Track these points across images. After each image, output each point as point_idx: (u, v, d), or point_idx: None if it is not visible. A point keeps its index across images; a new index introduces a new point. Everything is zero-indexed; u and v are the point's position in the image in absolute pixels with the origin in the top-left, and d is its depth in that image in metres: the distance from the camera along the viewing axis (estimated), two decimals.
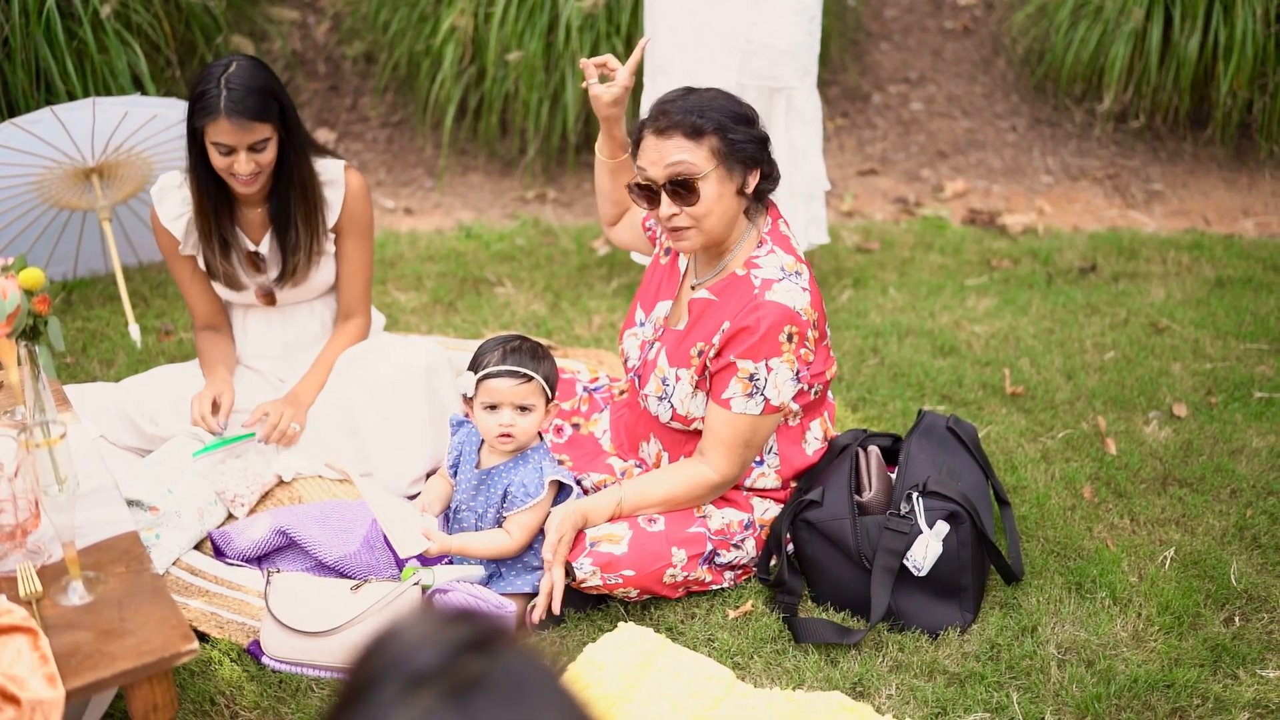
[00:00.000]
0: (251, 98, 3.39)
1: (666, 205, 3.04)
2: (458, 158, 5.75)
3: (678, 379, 3.18)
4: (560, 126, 5.47)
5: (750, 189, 3.09)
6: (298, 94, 6.00)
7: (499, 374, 3.12)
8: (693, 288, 3.23)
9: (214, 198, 3.58)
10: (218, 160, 3.46)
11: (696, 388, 3.17)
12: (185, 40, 5.37)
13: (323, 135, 5.82)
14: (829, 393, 3.38)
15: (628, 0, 5.24)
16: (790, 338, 3.04)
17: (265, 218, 3.66)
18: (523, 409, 3.13)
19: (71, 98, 4.77)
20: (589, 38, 5.27)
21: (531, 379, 3.11)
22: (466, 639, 1.17)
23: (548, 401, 3.16)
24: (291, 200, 3.59)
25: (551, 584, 3.05)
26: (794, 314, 3.04)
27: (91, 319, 4.46)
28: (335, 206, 3.68)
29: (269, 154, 3.47)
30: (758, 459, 3.24)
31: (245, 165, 3.44)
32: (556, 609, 3.05)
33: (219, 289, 3.75)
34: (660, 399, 3.22)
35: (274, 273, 3.70)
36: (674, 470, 3.20)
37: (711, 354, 3.11)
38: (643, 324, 3.35)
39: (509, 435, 3.14)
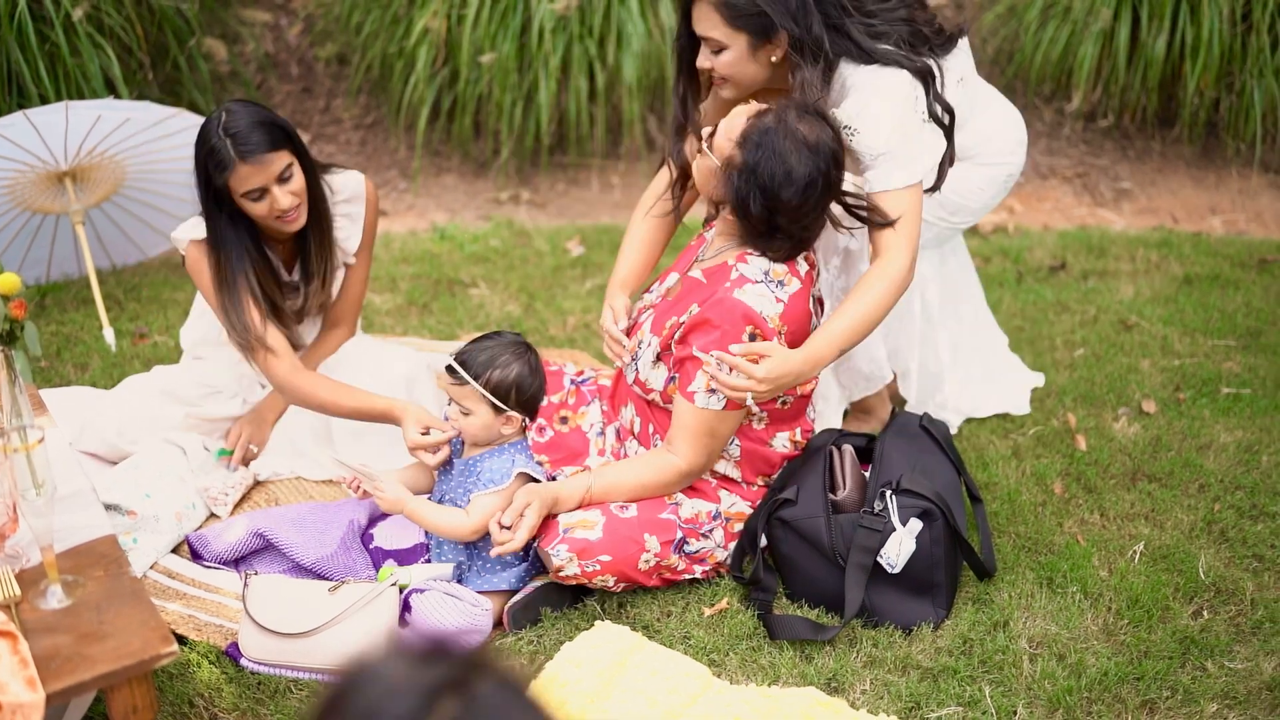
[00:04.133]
0: (256, 132, 3.29)
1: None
2: (431, 159, 5.76)
3: (649, 345, 3.25)
4: (534, 128, 5.48)
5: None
6: (270, 96, 6.00)
7: (446, 365, 3.17)
8: (696, 261, 3.31)
9: (255, 246, 3.46)
10: (256, 209, 3.34)
11: (659, 359, 3.22)
12: (158, 43, 5.36)
13: None
14: (809, 412, 3.39)
15: (600, 2, 5.26)
16: (752, 338, 3.08)
17: (293, 248, 3.58)
18: (463, 409, 3.16)
19: (44, 101, 4.76)
20: (562, 39, 5.28)
21: (465, 384, 3.13)
22: (440, 680, 1.15)
23: (499, 412, 3.16)
24: (308, 227, 3.50)
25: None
26: (757, 317, 3.08)
27: (65, 323, 4.45)
28: (359, 220, 3.62)
29: (298, 180, 3.37)
30: None
31: (285, 199, 3.33)
32: (517, 542, 3.08)
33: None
34: (631, 360, 3.29)
35: (300, 300, 3.62)
36: (643, 459, 3.25)
37: (677, 335, 3.17)
38: (652, 291, 3.45)
39: (457, 426, 3.20)
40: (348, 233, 3.63)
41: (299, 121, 5.94)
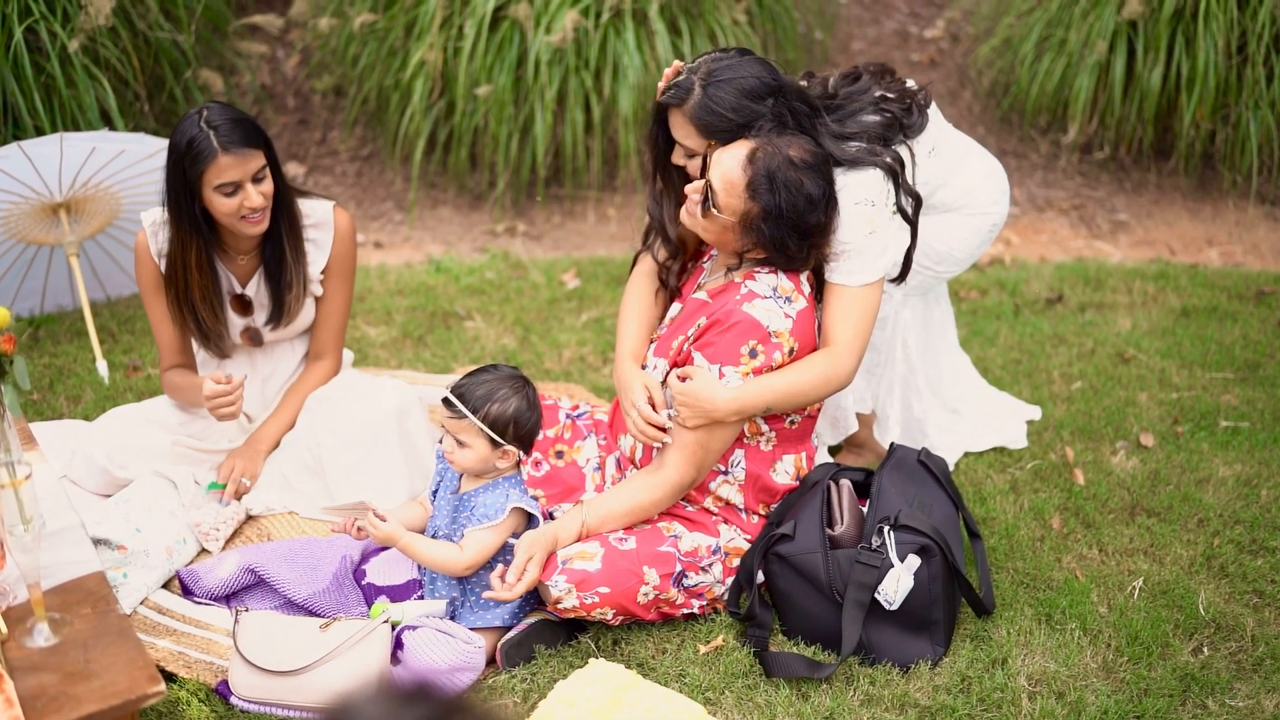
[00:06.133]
0: (239, 128, 3.36)
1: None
2: (427, 191, 5.76)
3: (655, 368, 3.26)
4: (530, 160, 5.48)
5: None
6: (267, 127, 5.99)
7: (443, 398, 3.15)
8: (699, 286, 3.33)
9: (210, 256, 3.53)
10: (226, 205, 3.37)
11: (665, 381, 3.23)
12: (154, 75, 5.36)
13: (292, 169, 5.81)
14: (813, 437, 3.40)
15: (596, 35, 5.27)
16: (753, 353, 3.10)
17: (256, 260, 3.60)
18: (459, 442, 3.14)
19: (40, 133, 4.75)
20: (558, 72, 5.29)
21: (463, 417, 3.11)
22: None
23: (496, 445, 3.13)
24: (283, 237, 3.54)
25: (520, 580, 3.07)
26: (764, 330, 3.10)
27: (59, 355, 4.43)
28: (324, 246, 3.63)
29: (269, 183, 3.43)
30: (722, 467, 3.26)
31: (256, 198, 3.38)
32: (516, 592, 3.04)
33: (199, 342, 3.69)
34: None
35: (262, 315, 3.65)
36: (634, 481, 3.24)
37: (686, 347, 3.19)
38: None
39: (450, 460, 3.17)
40: (311, 258, 3.65)
41: (295, 153, 5.94)
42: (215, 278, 3.57)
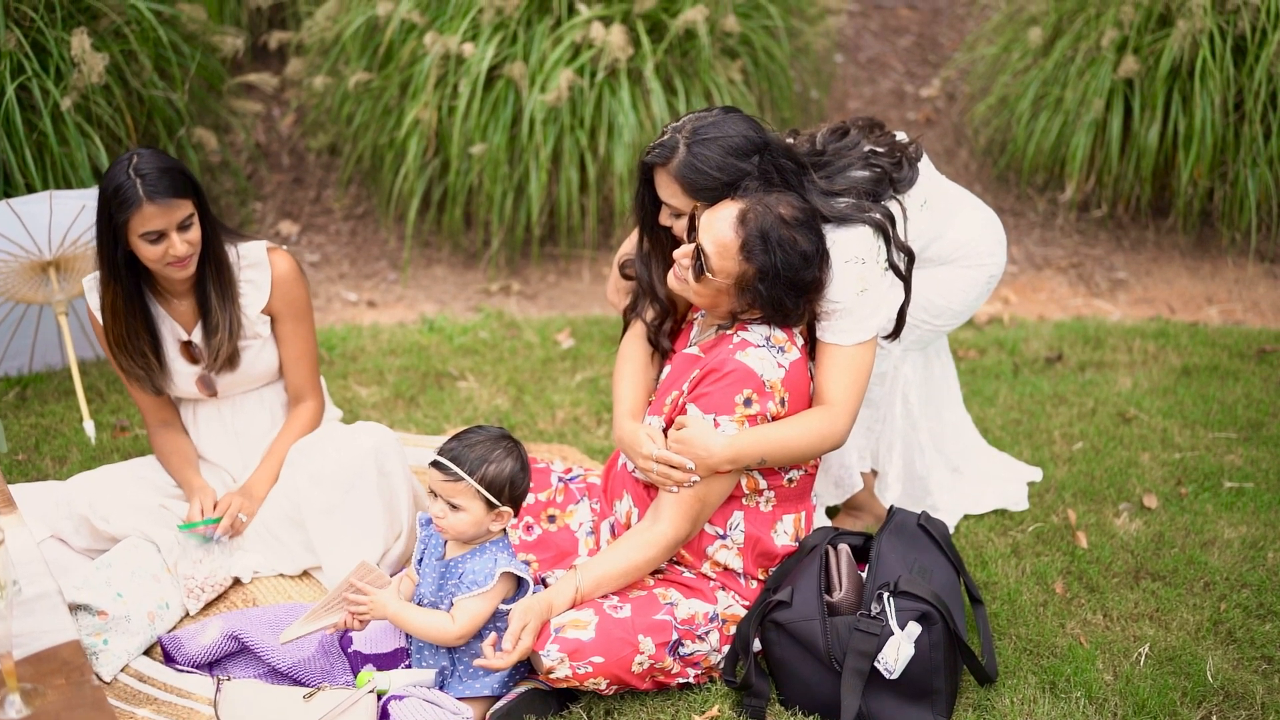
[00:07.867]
0: (166, 177, 3.38)
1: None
2: (421, 250, 5.73)
3: (650, 425, 3.22)
4: (524, 219, 5.46)
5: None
6: (261, 185, 5.99)
7: (433, 462, 3.08)
8: (690, 343, 3.29)
9: (139, 299, 3.56)
10: (150, 252, 3.42)
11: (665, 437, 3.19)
12: (147, 133, 5.35)
13: (286, 227, 5.79)
14: (812, 496, 3.34)
15: (591, 93, 5.26)
16: (748, 402, 3.07)
17: (194, 306, 3.62)
18: (453, 505, 3.07)
19: (30, 190, 4.73)
20: (553, 130, 5.28)
21: (459, 479, 3.05)
22: None
23: (491, 507, 3.08)
24: (208, 279, 3.56)
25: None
26: (758, 379, 3.07)
27: (45, 414, 4.38)
28: (263, 287, 3.64)
29: (196, 230, 3.46)
30: (720, 531, 3.20)
31: (180, 246, 3.41)
32: (509, 661, 2.99)
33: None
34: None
35: (205, 360, 3.65)
36: (627, 541, 3.18)
37: (682, 400, 3.15)
38: None
39: (441, 525, 3.10)
40: (251, 299, 3.65)
41: (289, 212, 5.92)
42: (138, 321, 3.58)
